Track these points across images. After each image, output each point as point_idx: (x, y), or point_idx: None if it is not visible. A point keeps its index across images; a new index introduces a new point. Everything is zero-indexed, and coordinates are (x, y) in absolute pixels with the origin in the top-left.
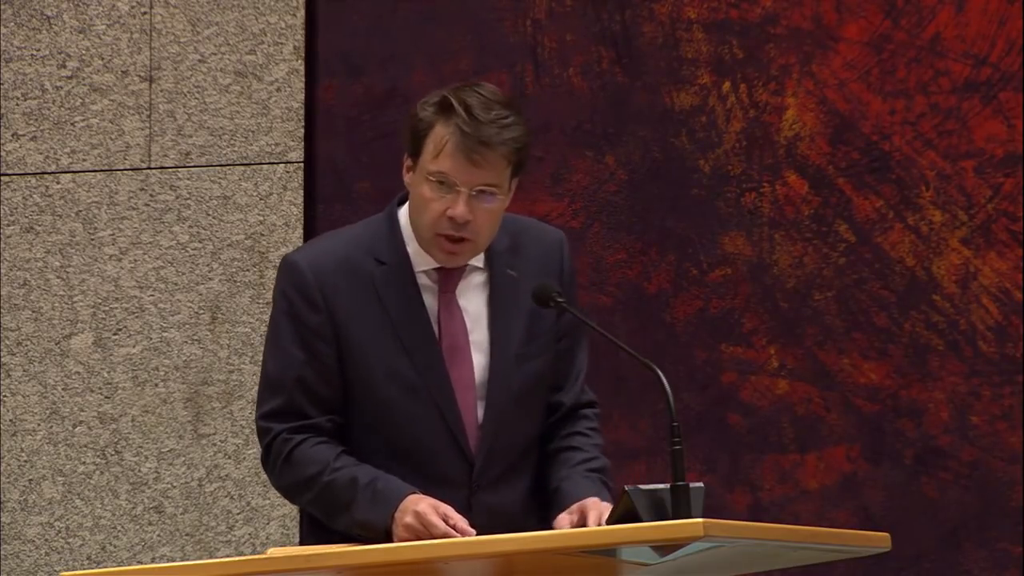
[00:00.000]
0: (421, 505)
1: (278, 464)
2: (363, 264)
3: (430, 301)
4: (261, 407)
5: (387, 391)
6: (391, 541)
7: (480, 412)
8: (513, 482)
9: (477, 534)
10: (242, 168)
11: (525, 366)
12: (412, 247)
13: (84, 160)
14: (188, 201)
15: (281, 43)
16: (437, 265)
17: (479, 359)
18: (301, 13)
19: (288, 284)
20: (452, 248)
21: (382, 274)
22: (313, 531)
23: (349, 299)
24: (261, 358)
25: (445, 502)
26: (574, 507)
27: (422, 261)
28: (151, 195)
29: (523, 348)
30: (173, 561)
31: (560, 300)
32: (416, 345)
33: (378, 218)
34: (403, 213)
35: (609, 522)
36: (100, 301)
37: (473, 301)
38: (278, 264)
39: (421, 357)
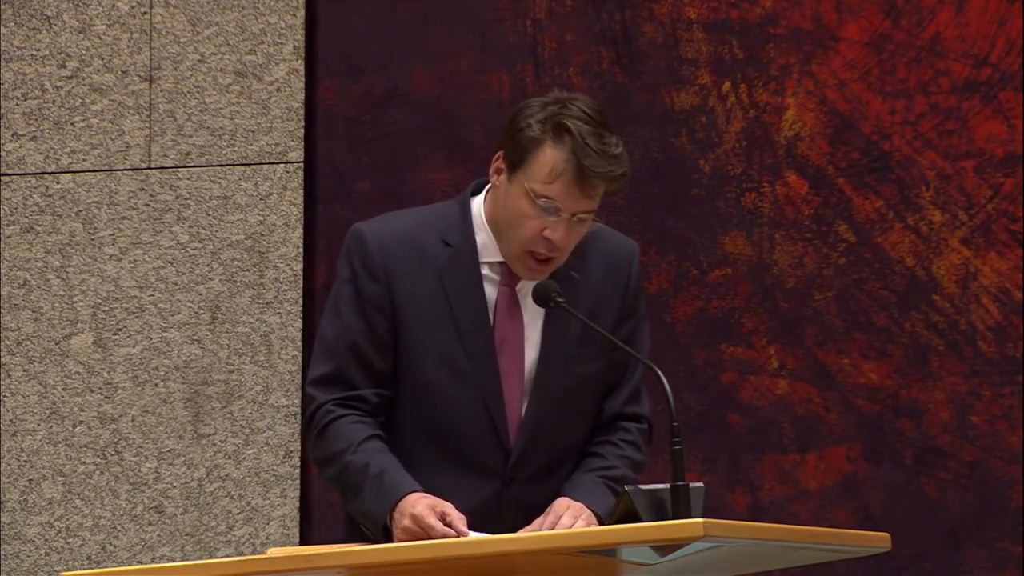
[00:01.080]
0: (418, 507)
1: (314, 435)
2: (430, 244)
3: (490, 291)
4: (312, 372)
5: (435, 372)
6: (389, 535)
7: (524, 406)
8: (548, 480)
9: (506, 529)
10: (242, 168)
11: (575, 368)
12: (481, 236)
13: (84, 160)
14: (188, 201)
15: (281, 43)
16: (503, 259)
17: (531, 354)
18: (301, 13)
19: (352, 252)
20: (538, 267)
21: (447, 256)
22: (349, 530)
23: (411, 275)
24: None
25: (477, 491)
26: (547, 509)
27: (488, 252)
28: (151, 195)
29: (576, 350)
30: (173, 561)
31: (560, 300)
32: (470, 330)
33: (451, 203)
34: (476, 202)
35: (609, 522)
36: (100, 301)
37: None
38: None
39: (473, 343)
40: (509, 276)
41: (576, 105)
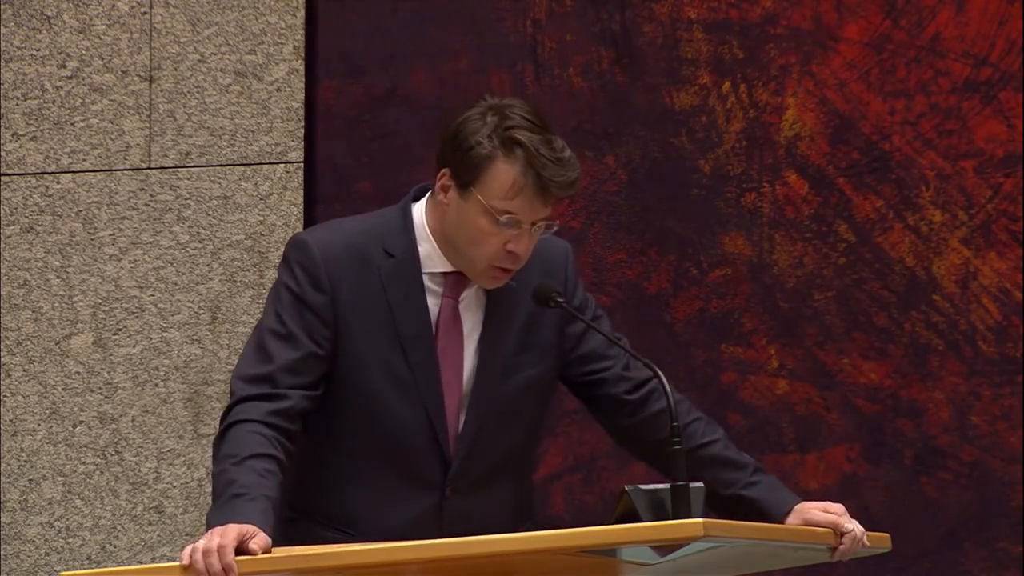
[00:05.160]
0: (216, 540)
1: (220, 429)
2: (372, 254)
3: (432, 302)
4: (241, 368)
5: (376, 382)
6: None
7: (462, 420)
8: (491, 489)
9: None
10: (242, 168)
11: (515, 376)
12: (424, 247)
13: (84, 160)
14: (188, 201)
15: (281, 43)
16: (447, 269)
17: (469, 367)
18: (301, 13)
19: (295, 261)
20: (503, 276)
21: (390, 267)
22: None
23: (354, 285)
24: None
25: (417, 502)
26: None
27: (431, 262)
28: (151, 195)
29: (514, 358)
30: (173, 561)
31: (560, 300)
32: (412, 341)
33: (392, 211)
34: (418, 211)
35: (609, 522)
36: (100, 301)
37: (472, 309)
38: (279, 258)
39: (415, 353)
40: (452, 288)
41: (516, 113)
